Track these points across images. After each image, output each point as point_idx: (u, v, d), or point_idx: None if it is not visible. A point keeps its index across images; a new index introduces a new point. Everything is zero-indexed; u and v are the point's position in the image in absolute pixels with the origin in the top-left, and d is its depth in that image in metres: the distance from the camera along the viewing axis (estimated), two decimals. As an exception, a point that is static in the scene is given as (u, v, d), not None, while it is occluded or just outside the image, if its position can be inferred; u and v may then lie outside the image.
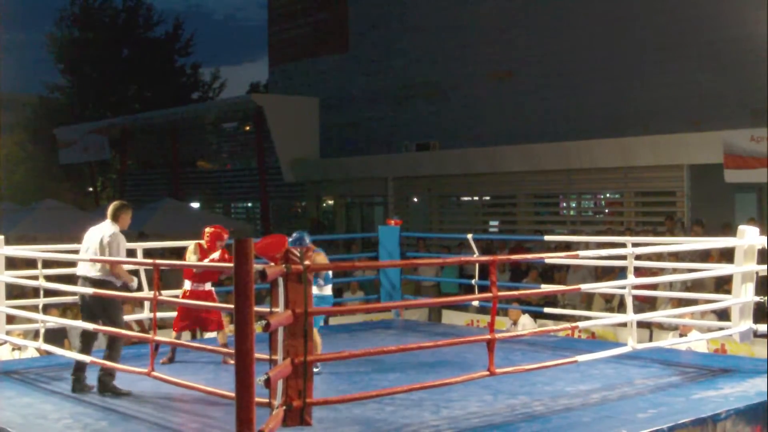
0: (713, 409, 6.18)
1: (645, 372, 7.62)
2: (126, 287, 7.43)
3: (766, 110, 15.82)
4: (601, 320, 8.95)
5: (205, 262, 8.31)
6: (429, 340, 8.00)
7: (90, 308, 7.22)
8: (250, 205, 30.11)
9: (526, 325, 10.23)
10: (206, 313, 8.39)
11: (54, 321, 8.46)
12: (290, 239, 8.41)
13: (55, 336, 9.84)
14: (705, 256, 11.38)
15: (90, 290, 7.12)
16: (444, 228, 21.70)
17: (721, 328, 8.43)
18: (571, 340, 9.63)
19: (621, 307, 10.55)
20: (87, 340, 7.27)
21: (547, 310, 10.37)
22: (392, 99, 26.17)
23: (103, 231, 7.27)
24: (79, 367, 7.18)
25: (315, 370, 7.03)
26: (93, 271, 7.22)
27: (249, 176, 28.10)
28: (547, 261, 9.55)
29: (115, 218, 7.34)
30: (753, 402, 6.44)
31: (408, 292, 13.18)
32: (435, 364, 7.89)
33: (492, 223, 22.07)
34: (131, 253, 8.81)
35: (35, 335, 9.16)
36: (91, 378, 7.10)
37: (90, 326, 7.09)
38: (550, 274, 14.23)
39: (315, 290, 7.92)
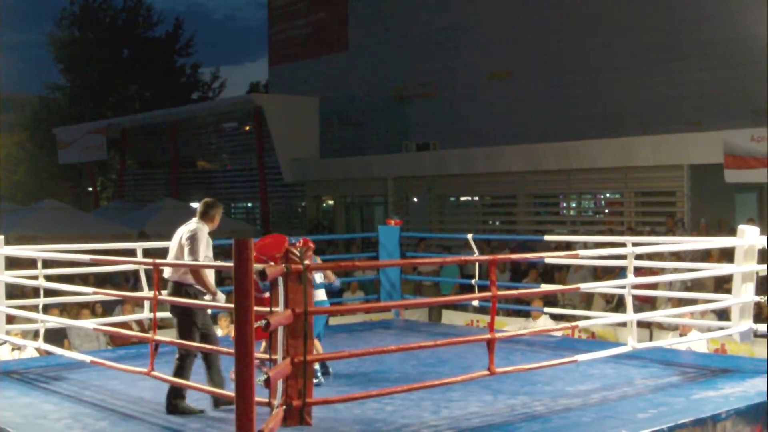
0: (713, 409, 6.17)
1: (645, 372, 7.61)
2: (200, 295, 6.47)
3: (766, 110, 15.84)
4: (601, 320, 8.94)
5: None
6: (429, 340, 7.99)
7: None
8: (250, 205, 30.12)
9: (546, 325, 10.18)
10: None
11: (54, 321, 8.45)
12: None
13: (55, 336, 9.84)
14: (705, 255, 11.40)
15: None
16: (444, 228, 21.70)
17: (721, 328, 8.42)
18: (570, 340, 9.61)
19: (621, 307, 10.54)
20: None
21: (547, 309, 10.35)
22: (392, 99, 26.18)
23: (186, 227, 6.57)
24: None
25: (316, 381, 6.64)
26: (170, 273, 6.51)
27: (249, 176, 28.10)
28: (547, 261, 9.54)
29: (205, 216, 6.61)
30: (753, 402, 6.43)
31: (408, 292, 13.16)
32: (435, 364, 7.89)
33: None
34: (131, 253, 8.83)
35: (35, 335, 9.16)
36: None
37: (90, 325, 7.06)
38: (550, 274, 14.23)
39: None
